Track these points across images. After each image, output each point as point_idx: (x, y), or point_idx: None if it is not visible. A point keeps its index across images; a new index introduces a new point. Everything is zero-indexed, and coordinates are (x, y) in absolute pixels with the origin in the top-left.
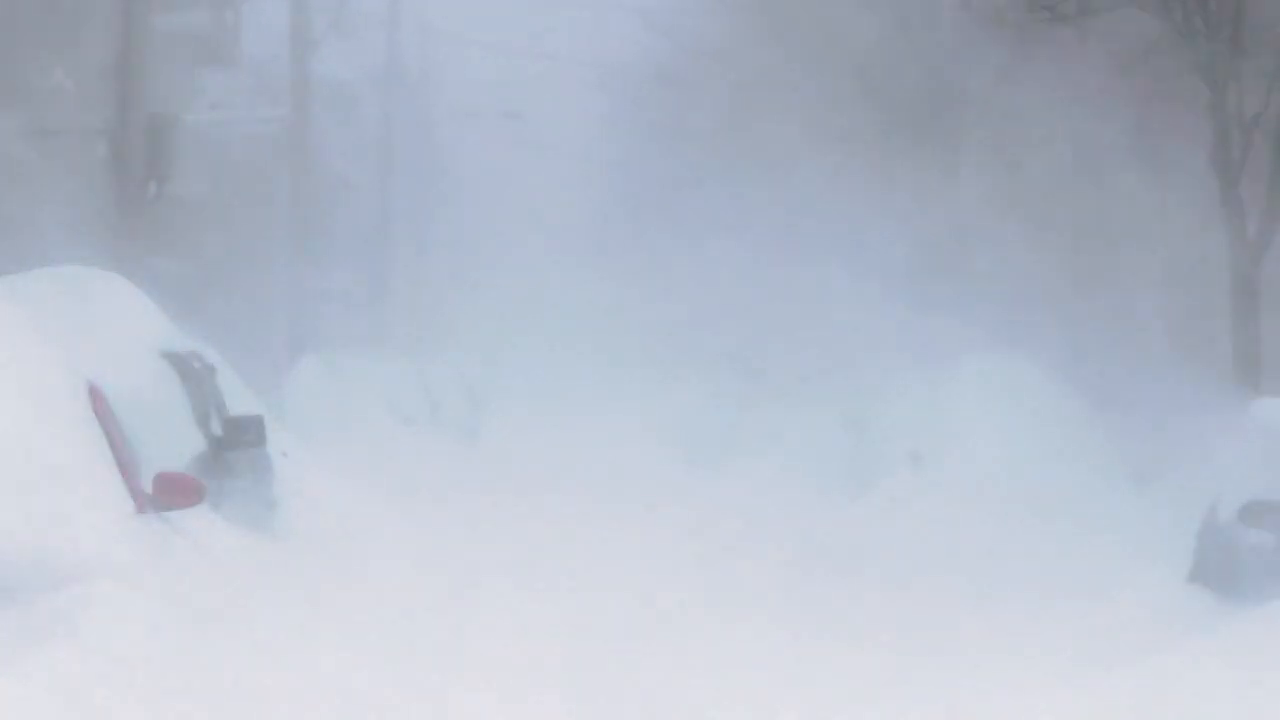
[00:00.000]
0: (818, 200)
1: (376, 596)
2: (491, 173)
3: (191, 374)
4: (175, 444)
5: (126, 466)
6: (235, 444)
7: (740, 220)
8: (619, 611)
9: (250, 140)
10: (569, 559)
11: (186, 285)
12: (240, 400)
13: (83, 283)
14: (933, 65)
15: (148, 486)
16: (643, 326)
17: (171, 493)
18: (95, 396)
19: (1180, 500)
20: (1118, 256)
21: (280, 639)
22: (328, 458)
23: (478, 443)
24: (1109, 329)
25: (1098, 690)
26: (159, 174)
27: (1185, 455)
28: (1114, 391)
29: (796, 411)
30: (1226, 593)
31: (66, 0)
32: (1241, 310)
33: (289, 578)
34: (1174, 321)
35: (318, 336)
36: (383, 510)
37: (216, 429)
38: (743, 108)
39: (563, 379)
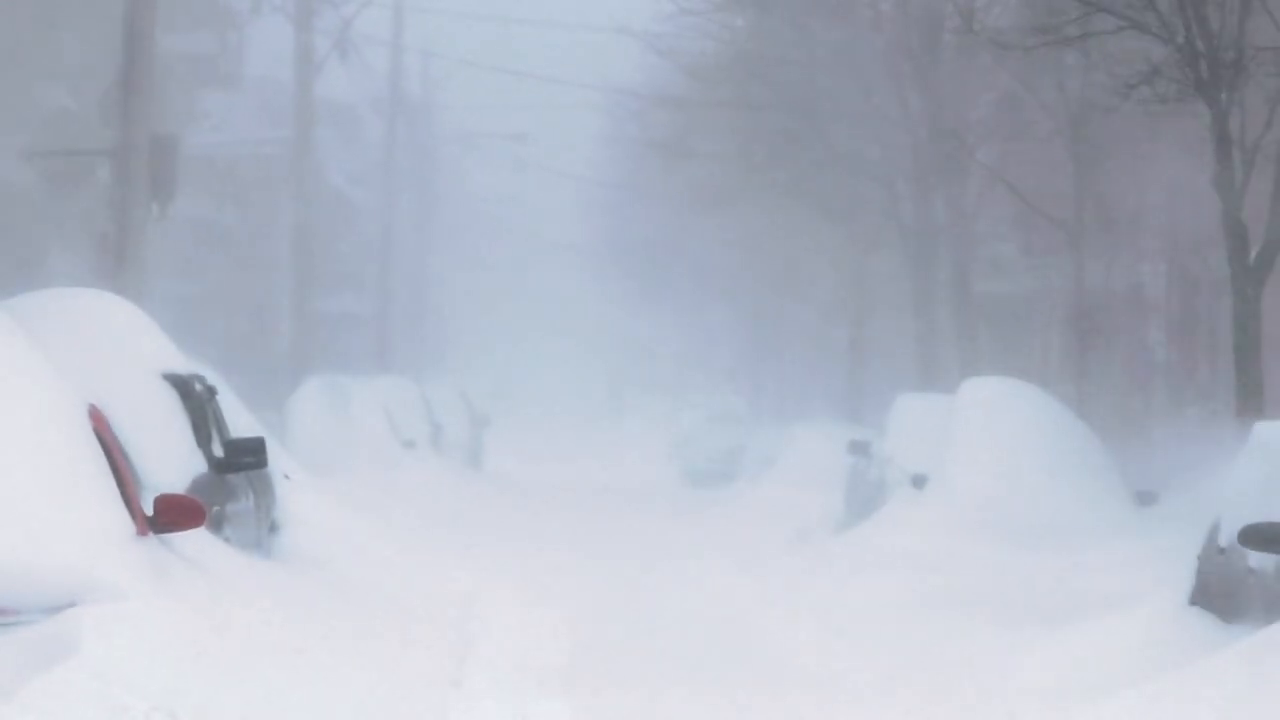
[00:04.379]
0: (822, 223)
1: (376, 619)
2: (494, 194)
3: (193, 395)
4: (176, 466)
5: (127, 488)
6: (236, 466)
7: (744, 242)
8: (605, 650)
9: (253, 161)
10: (561, 586)
11: (189, 306)
12: (242, 422)
13: (85, 304)
14: (936, 89)
15: (148, 508)
16: (645, 347)
17: (172, 515)
18: (96, 418)
19: (1182, 522)
20: (1120, 278)
21: (280, 662)
22: (329, 481)
23: (480, 463)
24: (1110, 351)
25: (1098, 714)
26: (162, 195)
27: (1187, 477)
28: (1116, 414)
29: (798, 434)
30: (1228, 616)
31: (70, 22)
32: (1244, 333)
33: (289, 601)
34: (1177, 342)
35: (320, 358)
36: (383, 534)
37: (218, 451)
38: (745, 130)
39: (565, 400)
